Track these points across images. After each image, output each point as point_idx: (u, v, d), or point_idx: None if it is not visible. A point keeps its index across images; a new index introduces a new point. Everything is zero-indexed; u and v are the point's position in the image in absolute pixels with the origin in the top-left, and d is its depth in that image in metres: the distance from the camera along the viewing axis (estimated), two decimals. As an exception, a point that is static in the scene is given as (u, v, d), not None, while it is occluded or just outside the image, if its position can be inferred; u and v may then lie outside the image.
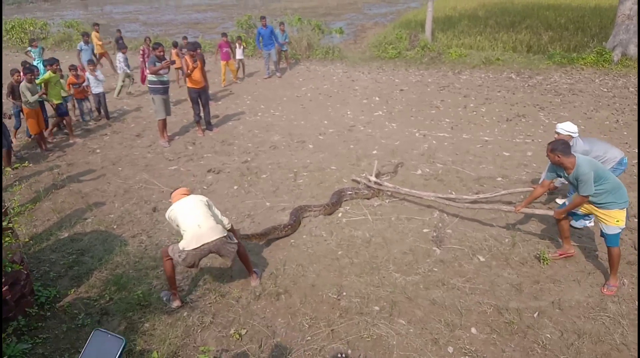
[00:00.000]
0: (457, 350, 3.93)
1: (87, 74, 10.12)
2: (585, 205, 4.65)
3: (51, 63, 8.83)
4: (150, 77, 8.56)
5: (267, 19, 13.81)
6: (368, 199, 6.55)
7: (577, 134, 5.28)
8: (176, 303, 4.48)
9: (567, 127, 5.29)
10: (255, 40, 14.28)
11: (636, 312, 4.29)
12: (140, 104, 11.63)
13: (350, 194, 6.55)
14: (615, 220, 4.44)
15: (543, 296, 4.54)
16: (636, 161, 7.45)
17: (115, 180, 7.42)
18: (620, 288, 4.59)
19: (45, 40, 20.01)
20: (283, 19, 18.59)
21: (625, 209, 4.44)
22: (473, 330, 4.15)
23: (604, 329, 4.10)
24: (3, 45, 19.72)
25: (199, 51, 9.02)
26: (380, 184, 6.59)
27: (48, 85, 8.58)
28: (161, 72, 8.46)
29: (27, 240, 5.47)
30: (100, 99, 10.34)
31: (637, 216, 5.81)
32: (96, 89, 10.19)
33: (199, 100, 9.12)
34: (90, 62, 10.67)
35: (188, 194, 4.66)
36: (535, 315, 4.29)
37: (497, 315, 4.31)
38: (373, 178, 6.68)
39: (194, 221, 4.34)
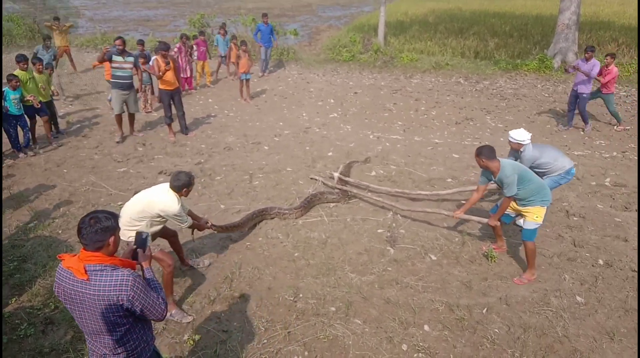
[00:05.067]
0: (411, 348, 4.02)
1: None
2: (511, 205, 4.93)
3: (34, 62, 8.25)
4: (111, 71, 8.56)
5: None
6: (334, 203, 6.57)
7: (528, 142, 5.34)
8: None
9: (516, 136, 5.33)
10: (254, 35, 14.53)
11: (576, 305, 4.55)
12: (85, 102, 11.16)
13: (318, 198, 6.49)
14: (534, 216, 4.75)
15: (491, 292, 4.74)
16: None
17: (60, 183, 7.08)
18: (561, 283, 4.86)
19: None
20: (235, 19, 18.41)
21: (545, 207, 4.76)
22: (426, 327, 4.26)
23: (547, 323, 4.32)
24: None
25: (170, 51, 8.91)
26: (345, 181, 6.64)
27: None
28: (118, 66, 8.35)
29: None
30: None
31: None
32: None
33: (171, 102, 8.73)
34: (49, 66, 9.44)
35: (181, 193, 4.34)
36: (484, 311, 4.46)
37: (448, 312, 4.45)
38: (337, 174, 6.72)
39: (123, 209, 4.34)
